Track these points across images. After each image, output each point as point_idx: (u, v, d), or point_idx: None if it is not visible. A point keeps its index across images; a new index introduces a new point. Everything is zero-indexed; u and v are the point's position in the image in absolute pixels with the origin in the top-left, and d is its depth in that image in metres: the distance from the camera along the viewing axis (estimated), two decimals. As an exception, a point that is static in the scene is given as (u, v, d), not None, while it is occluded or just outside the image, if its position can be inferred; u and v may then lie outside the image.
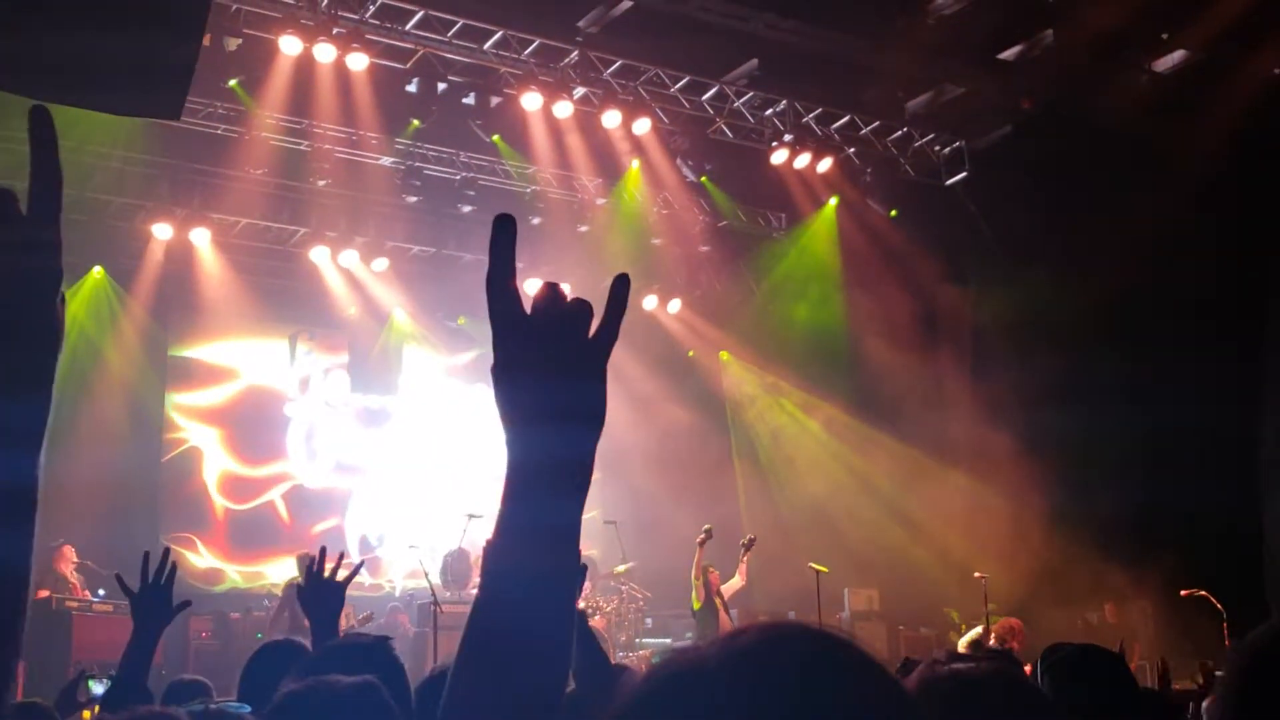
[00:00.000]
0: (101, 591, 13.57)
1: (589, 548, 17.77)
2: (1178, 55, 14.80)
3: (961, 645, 13.52)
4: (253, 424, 17.51)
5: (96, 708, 5.32)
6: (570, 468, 1.43)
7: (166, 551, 4.44)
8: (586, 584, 15.73)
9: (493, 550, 1.44)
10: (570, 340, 1.43)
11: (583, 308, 1.46)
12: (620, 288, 1.48)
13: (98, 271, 16.34)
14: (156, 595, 4.26)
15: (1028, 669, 4.41)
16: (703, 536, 13.42)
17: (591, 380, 1.43)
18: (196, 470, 17.00)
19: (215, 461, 17.19)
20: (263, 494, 17.42)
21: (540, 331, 1.43)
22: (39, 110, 1.34)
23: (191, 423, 17.12)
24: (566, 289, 1.48)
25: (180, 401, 17.08)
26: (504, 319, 1.43)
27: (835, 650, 1.05)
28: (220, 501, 17.07)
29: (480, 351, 19.16)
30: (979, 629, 13.54)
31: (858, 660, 1.05)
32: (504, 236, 1.44)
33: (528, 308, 1.44)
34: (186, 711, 2.55)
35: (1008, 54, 15.02)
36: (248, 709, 3.97)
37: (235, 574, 16.87)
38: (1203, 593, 12.35)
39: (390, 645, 3.31)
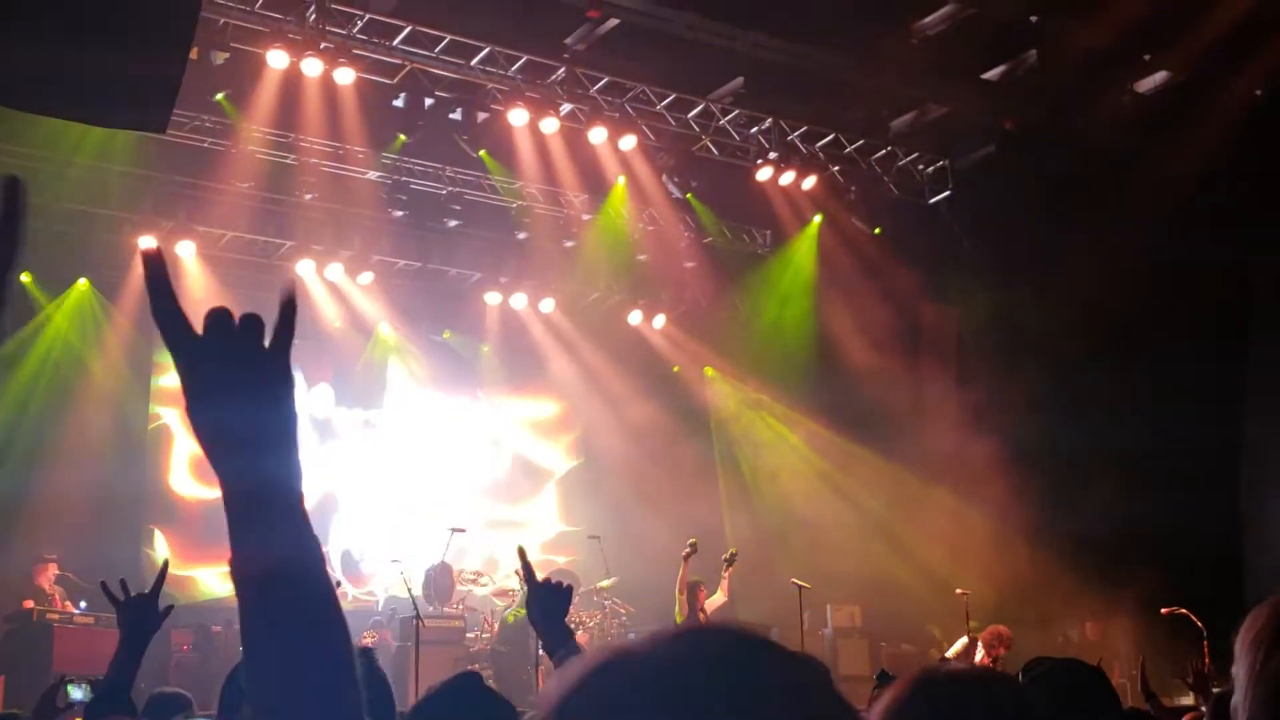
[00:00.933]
0: (83, 604, 13.53)
1: (571, 563, 17.81)
2: (1160, 76, 14.92)
3: (949, 657, 13.57)
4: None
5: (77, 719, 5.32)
6: (276, 489, 1.42)
7: (165, 566, 4.49)
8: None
9: (237, 582, 1.42)
10: (246, 356, 1.45)
11: (251, 320, 1.48)
12: (287, 304, 1.51)
13: (83, 284, 16.31)
14: (144, 604, 4.28)
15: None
16: (687, 551, 13.43)
17: (276, 394, 1.44)
18: (168, 472, 16.93)
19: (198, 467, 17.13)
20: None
21: (215, 353, 1.44)
22: (12, 181, 1.40)
23: (174, 434, 17.07)
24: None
25: (164, 416, 17.02)
26: (178, 346, 1.44)
27: (762, 643, 1.08)
28: (194, 493, 16.93)
29: (466, 366, 19.18)
30: (964, 639, 13.59)
31: (785, 655, 1.08)
32: (154, 267, 1.45)
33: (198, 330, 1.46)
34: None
35: (992, 74, 15.13)
36: None
37: (211, 576, 16.77)
38: (1183, 611, 12.39)
39: (373, 656, 3.26)
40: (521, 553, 3.35)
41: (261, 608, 1.40)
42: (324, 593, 1.42)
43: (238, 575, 1.41)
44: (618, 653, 1.07)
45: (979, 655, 13.26)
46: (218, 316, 1.45)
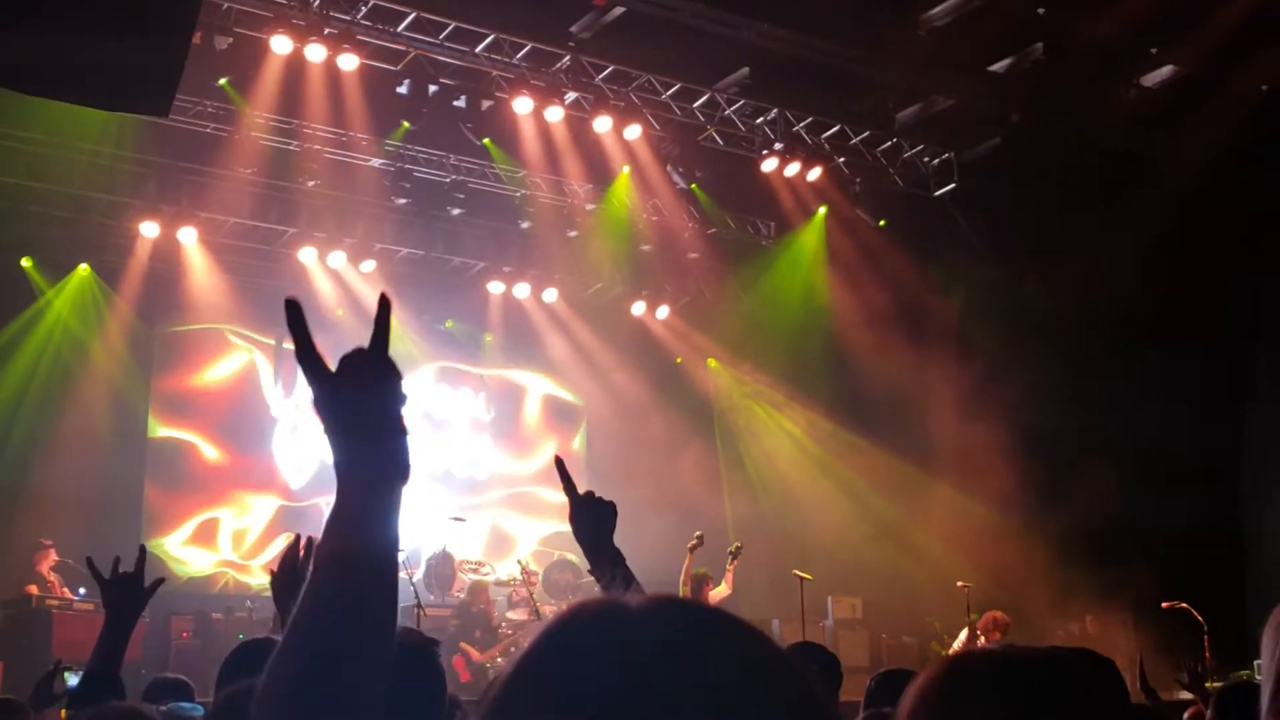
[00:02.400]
0: (82, 590, 13.51)
1: (574, 555, 17.78)
2: (1166, 70, 14.87)
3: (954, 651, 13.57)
4: (238, 424, 17.46)
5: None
6: (386, 506, 1.61)
7: (143, 550, 4.40)
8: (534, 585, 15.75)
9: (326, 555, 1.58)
10: (364, 373, 1.66)
11: (372, 352, 1.69)
12: (382, 309, 1.76)
13: (84, 269, 16.28)
14: (127, 583, 4.21)
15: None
16: (693, 543, 13.39)
17: (385, 398, 1.66)
18: (180, 463, 16.92)
19: (200, 455, 17.13)
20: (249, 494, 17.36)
21: (343, 377, 1.64)
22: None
23: (176, 421, 17.04)
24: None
25: (165, 400, 17.00)
26: (316, 377, 1.64)
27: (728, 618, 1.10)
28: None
29: (469, 355, 19.15)
30: (965, 631, 13.58)
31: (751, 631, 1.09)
32: (294, 316, 1.65)
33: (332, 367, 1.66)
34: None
35: (998, 67, 15.07)
36: (200, 710, 3.95)
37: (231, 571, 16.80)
38: (1184, 605, 12.39)
39: (435, 652, 2.87)
40: (559, 462, 3.15)
41: (339, 587, 1.54)
42: (391, 589, 1.60)
43: (332, 549, 1.56)
44: (597, 607, 1.09)
45: (980, 643, 13.26)
46: (350, 358, 1.66)
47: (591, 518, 3.00)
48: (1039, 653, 1.66)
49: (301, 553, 4.02)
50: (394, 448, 1.62)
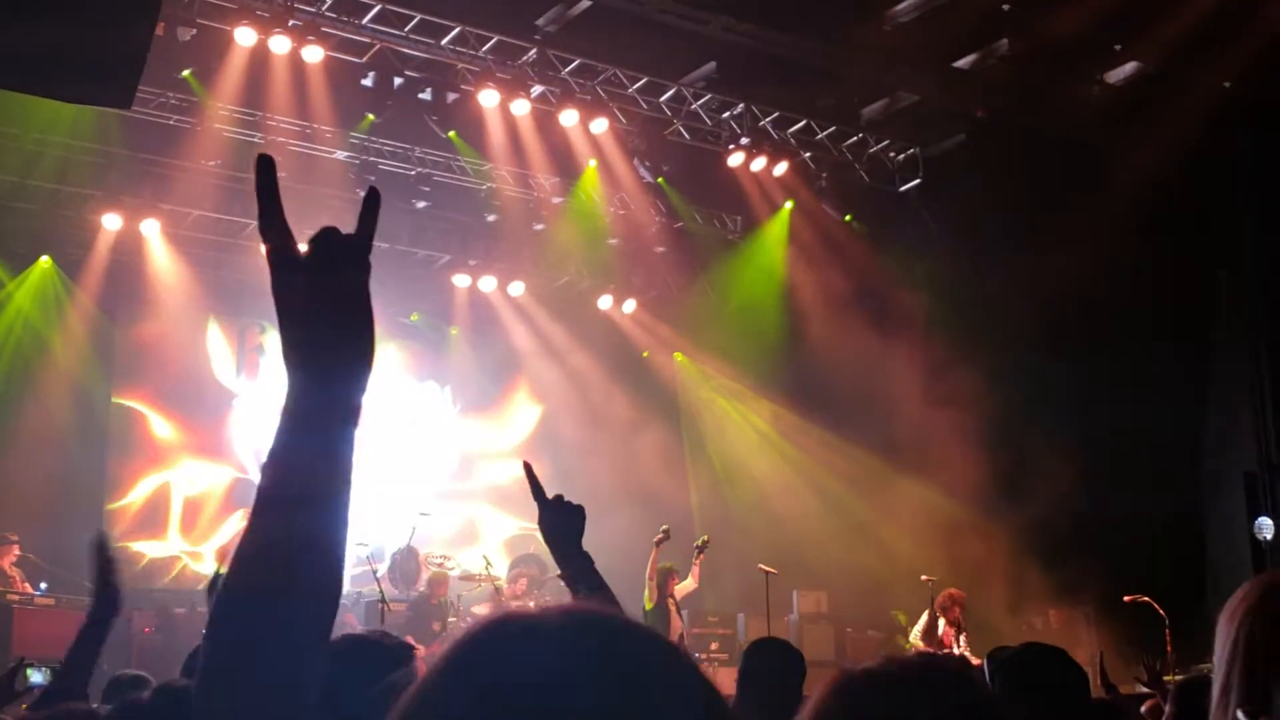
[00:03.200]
0: (43, 585, 13.41)
1: (539, 549, 17.76)
2: (1130, 67, 14.96)
3: (915, 636, 13.63)
4: (201, 417, 17.35)
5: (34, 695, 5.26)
6: (342, 406, 1.46)
7: (105, 542, 4.37)
8: (523, 583, 15.74)
9: (266, 475, 1.42)
10: (340, 278, 1.47)
11: (356, 240, 1.50)
12: (371, 200, 1.55)
13: (45, 261, 16.13)
14: (113, 593, 4.24)
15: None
16: (660, 536, 13.40)
17: (359, 318, 1.47)
18: (141, 451, 16.83)
19: (162, 450, 17.02)
20: (210, 485, 17.26)
21: (313, 272, 1.46)
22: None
23: (139, 412, 16.93)
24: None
25: (128, 393, 16.88)
26: (281, 261, 1.47)
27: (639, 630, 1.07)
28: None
29: (434, 348, 19.09)
30: (924, 617, 13.65)
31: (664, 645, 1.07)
32: (265, 178, 1.48)
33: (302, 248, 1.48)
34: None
35: (963, 62, 15.13)
36: None
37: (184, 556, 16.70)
38: (1145, 599, 12.49)
39: (413, 657, 2.78)
40: (527, 468, 3.16)
41: (307, 487, 1.41)
42: (339, 524, 1.44)
43: (272, 483, 1.42)
44: (505, 619, 1.06)
45: (940, 625, 13.36)
46: (325, 237, 1.48)
47: (560, 521, 3.01)
48: (913, 667, 1.67)
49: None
50: (360, 332, 1.46)
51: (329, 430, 1.44)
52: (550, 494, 3.12)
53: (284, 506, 1.41)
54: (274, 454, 1.43)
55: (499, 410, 19.68)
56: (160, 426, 17.04)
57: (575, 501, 3.04)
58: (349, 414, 1.46)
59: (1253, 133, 14.58)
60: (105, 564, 4.21)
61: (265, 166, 1.47)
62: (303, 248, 1.50)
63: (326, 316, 1.45)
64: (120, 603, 4.26)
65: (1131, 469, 14.47)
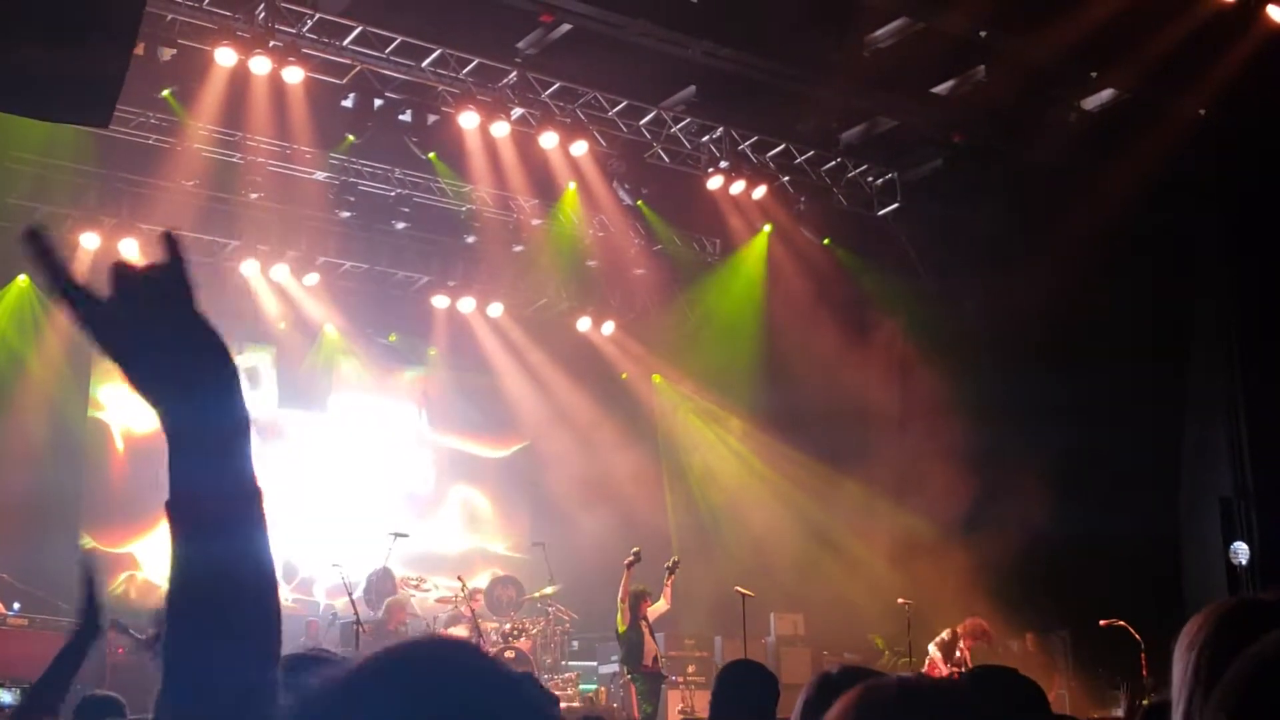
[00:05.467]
0: (17, 605, 13.32)
1: (515, 570, 17.75)
2: (1105, 94, 15.09)
3: (933, 649, 13.62)
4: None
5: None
6: (220, 421, 1.40)
7: (89, 562, 4.38)
8: (479, 601, 15.69)
9: (173, 507, 1.38)
10: (158, 299, 1.42)
11: (155, 267, 1.45)
12: (170, 244, 1.48)
13: (22, 280, 16.07)
14: (95, 611, 4.24)
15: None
16: (631, 559, 13.40)
17: (195, 332, 1.42)
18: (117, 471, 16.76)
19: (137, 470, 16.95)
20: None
21: (129, 306, 1.41)
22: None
23: (115, 432, 16.86)
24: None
25: (104, 413, 16.81)
26: (88, 315, 1.40)
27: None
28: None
29: (413, 370, 19.07)
30: (946, 633, 13.64)
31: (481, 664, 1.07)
32: (34, 248, 1.42)
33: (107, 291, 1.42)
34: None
35: (941, 88, 15.23)
36: None
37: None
38: (1121, 623, 12.54)
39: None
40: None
41: (194, 551, 1.36)
42: (260, 544, 1.39)
43: (177, 514, 1.37)
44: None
45: (960, 646, 13.38)
46: (117, 271, 1.42)
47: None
48: (944, 684, 1.70)
49: None
50: (203, 345, 1.40)
51: (213, 452, 1.38)
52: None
53: (196, 539, 1.37)
54: (171, 488, 1.38)
55: (477, 432, 19.65)
56: (136, 447, 16.95)
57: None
58: (233, 428, 1.39)
59: (1227, 158, 14.70)
60: (90, 587, 4.21)
61: (30, 239, 1.41)
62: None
63: (160, 343, 1.40)
64: (102, 626, 4.27)
65: (1108, 493, 14.52)
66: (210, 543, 1.36)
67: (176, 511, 1.37)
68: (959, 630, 13.54)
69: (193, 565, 1.36)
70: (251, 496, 1.40)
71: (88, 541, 16.19)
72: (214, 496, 1.37)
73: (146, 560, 16.56)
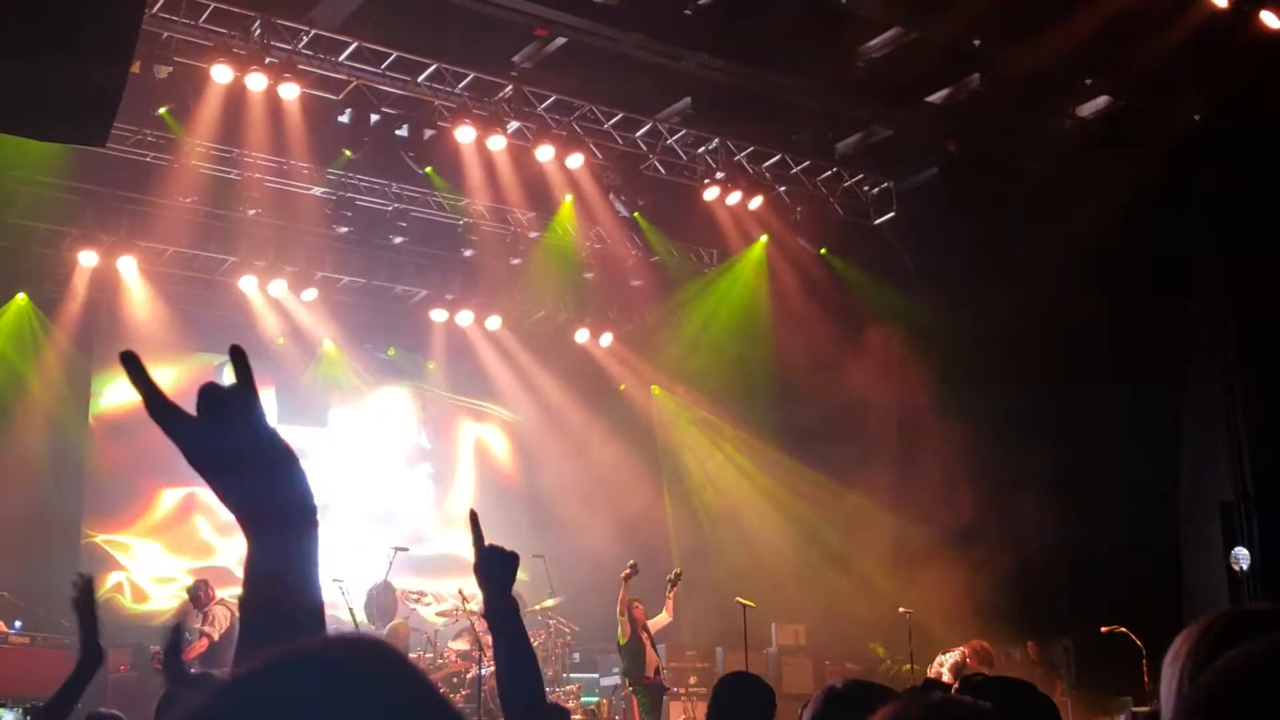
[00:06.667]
0: (18, 623, 13.32)
1: (515, 582, 17.71)
2: (1101, 101, 15.11)
3: (946, 671, 13.55)
4: (177, 454, 17.27)
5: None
6: (300, 551, 1.54)
7: (88, 592, 4.41)
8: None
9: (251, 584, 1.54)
10: (224, 406, 1.56)
11: (235, 387, 1.58)
12: (237, 358, 1.60)
13: (21, 299, 16.11)
14: (95, 641, 4.31)
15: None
16: (627, 572, 13.41)
17: (265, 445, 1.56)
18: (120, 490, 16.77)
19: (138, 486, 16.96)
20: (184, 520, 17.20)
21: (213, 429, 1.55)
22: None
23: (114, 450, 16.87)
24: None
25: (104, 431, 16.82)
26: (181, 430, 1.54)
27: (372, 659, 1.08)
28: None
29: (412, 383, 19.08)
30: (956, 654, 13.57)
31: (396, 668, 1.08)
32: (134, 370, 1.54)
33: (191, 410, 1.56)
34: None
35: (935, 97, 15.25)
36: None
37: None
38: (1122, 630, 12.53)
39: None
40: (472, 516, 3.29)
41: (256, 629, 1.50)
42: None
43: (253, 607, 1.53)
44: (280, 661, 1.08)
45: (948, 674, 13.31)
46: (205, 392, 1.56)
47: (495, 567, 3.15)
48: (976, 709, 1.72)
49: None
50: (289, 481, 1.55)
51: (286, 547, 1.54)
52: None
53: (265, 591, 1.52)
54: (250, 570, 1.54)
55: (476, 444, 19.66)
56: (136, 464, 16.96)
57: (510, 550, 3.18)
58: (297, 519, 1.55)
59: (1223, 164, 14.71)
60: (88, 617, 4.29)
61: (131, 363, 1.55)
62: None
63: (241, 456, 1.54)
64: (103, 655, 4.35)
65: (1108, 500, 14.51)
66: (274, 594, 1.52)
67: (253, 585, 1.53)
68: (965, 651, 13.48)
69: (261, 597, 1.53)
70: (312, 563, 1.55)
71: (91, 535, 16.23)
72: (282, 573, 1.53)
73: (139, 565, 16.56)
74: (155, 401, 1.53)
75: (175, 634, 4.38)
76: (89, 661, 4.29)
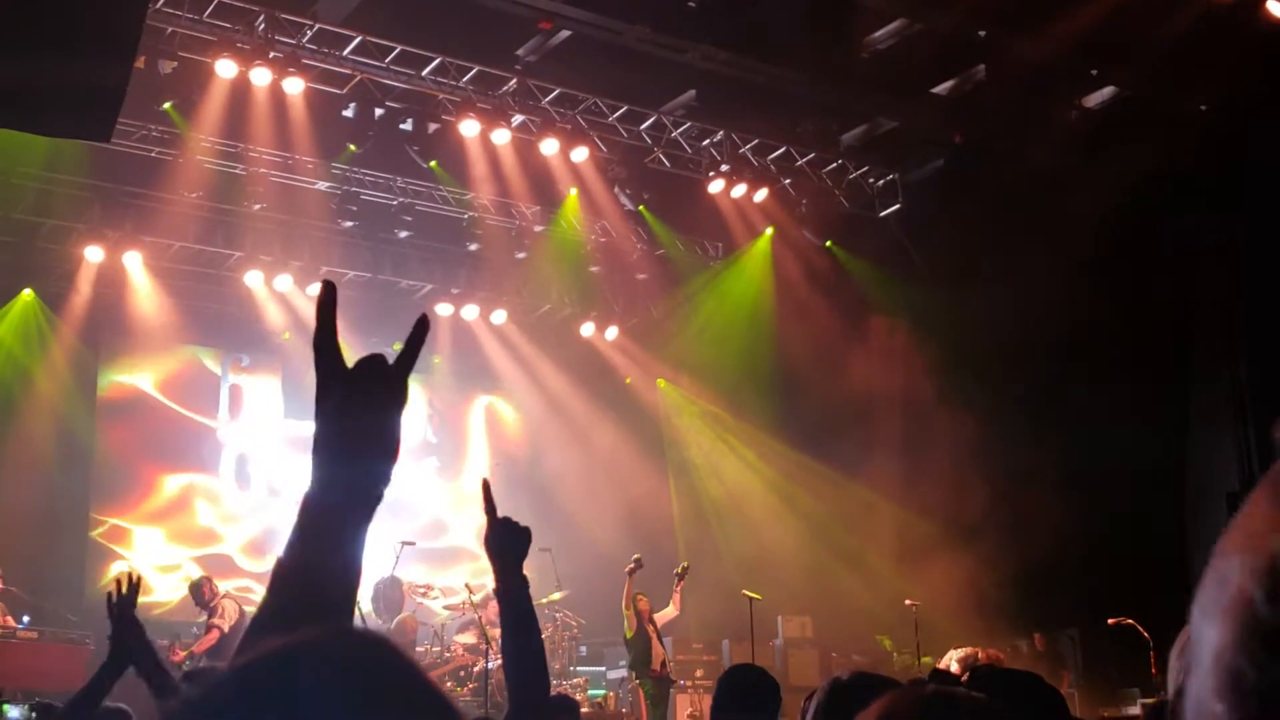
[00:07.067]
0: (26, 618, 13.34)
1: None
2: (1107, 91, 15.07)
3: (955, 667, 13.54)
4: (184, 448, 17.33)
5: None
6: (360, 497, 1.57)
7: (129, 596, 4.31)
8: (493, 608, 15.69)
9: (282, 569, 1.54)
10: (378, 385, 1.62)
11: (396, 367, 1.65)
12: (419, 327, 1.71)
13: (28, 294, 16.12)
14: (124, 623, 4.21)
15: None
16: (632, 566, 13.42)
17: (390, 419, 1.61)
18: (124, 483, 16.80)
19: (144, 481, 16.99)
20: (193, 511, 17.23)
21: (356, 382, 1.61)
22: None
23: (121, 445, 16.90)
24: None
25: (111, 426, 16.85)
26: (327, 371, 1.61)
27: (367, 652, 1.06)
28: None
29: (417, 377, 19.09)
30: (963, 650, 13.56)
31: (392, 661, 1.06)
32: (328, 298, 1.63)
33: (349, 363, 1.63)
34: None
35: (941, 88, 15.23)
36: None
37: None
38: (1129, 621, 12.52)
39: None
40: (485, 485, 3.25)
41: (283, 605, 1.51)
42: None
43: (297, 566, 1.53)
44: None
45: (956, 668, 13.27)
46: (371, 362, 1.64)
47: (507, 540, 3.09)
48: (973, 700, 1.70)
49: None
50: (381, 467, 1.58)
51: (344, 527, 1.55)
52: (535, 528, 3.20)
53: (295, 610, 1.50)
54: (291, 546, 1.54)
55: (481, 438, 19.67)
56: (143, 458, 17.00)
57: (524, 524, 3.12)
58: (366, 505, 1.57)
59: (1230, 154, 14.67)
60: (123, 621, 4.21)
61: (330, 293, 1.64)
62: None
63: (355, 417, 1.58)
64: (132, 657, 4.24)
65: (1115, 491, 14.50)
66: (315, 576, 1.54)
67: (285, 571, 1.54)
68: (980, 657, 13.45)
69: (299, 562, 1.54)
70: (353, 587, 1.57)
71: (101, 520, 16.29)
72: (322, 570, 1.54)
73: (142, 557, 16.59)
74: (326, 332, 1.60)
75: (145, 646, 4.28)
76: (113, 661, 4.22)
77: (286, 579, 1.53)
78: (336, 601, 1.52)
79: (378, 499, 1.58)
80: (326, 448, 1.57)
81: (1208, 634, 0.76)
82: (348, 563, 1.54)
